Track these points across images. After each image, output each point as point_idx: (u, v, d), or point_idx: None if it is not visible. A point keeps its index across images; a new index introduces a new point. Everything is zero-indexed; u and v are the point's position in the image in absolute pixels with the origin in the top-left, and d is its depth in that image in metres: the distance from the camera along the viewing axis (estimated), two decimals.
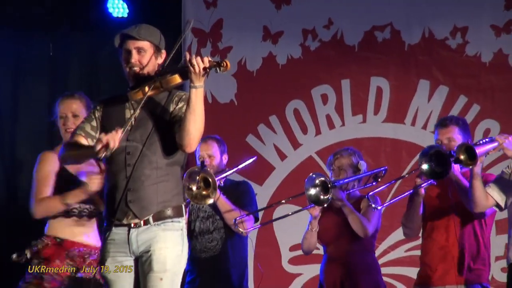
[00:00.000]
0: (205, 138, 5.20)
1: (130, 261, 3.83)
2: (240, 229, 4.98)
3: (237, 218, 4.96)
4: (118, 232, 3.81)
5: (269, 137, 6.50)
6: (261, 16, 6.56)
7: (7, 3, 6.55)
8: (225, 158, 5.23)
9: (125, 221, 3.80)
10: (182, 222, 3.85)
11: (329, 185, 4.76)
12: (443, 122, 4.74)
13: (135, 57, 3.83)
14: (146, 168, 3.79)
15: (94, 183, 4.39)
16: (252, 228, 5.11)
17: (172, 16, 6.59)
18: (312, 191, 4.78)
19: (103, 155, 3.66)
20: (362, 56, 6.41)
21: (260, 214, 5.36)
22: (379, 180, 5.04)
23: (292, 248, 6.33)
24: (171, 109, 3.84)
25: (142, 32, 3.85)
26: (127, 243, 3.80)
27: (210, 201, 4.50)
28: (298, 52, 6.53)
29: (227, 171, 5.08)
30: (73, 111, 4.61)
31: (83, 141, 3.85)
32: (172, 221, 3.82)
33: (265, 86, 6.56)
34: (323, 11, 6.48)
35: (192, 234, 5.11)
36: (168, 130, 3.82)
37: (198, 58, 3.64)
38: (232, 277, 5.07)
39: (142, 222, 3.79)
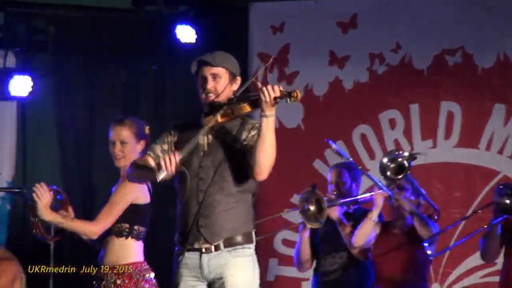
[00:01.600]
0: (337, 164, 5.36)
1: (202, 286, 3.89)
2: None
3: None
4: (190, 257, 3.86)
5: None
6: (327, 40, 6.54)
7: (80, 32, 6.75)
8: (356, 185, 5.27)
9: (196, 246, 3.85)
10: (253, 248, 3.87)
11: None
12: None
13: (210, 83, 3.86)
14: (217, 194, 3.83)
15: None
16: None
17: (239, 41, 6.66)
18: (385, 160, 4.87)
19: (161, 178, 3.69)
20: (432, 80, 6.26)
21: None
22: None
23: None
24: (244, 136, 3.86)
25: (218, 58, 3.89)
26: (199, 268, 3.85)
27: (317, 225, 4.83)
28: (365, 76, 6.48)
29: (352, 198, 5.15)
30: (122, 138, 4.58)
31: (151, 161, 3.89)
32: (242, 248, 3.86)
33: (331, 111, 6.50)
34: (391, 35, 6.41)
35: (317, 256, 5.18)
36: (240, 157, 3.83)
37: (270, 87, 3.65)
38: None
39: (213, 247, 3.84)
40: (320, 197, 4.80)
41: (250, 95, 3.79)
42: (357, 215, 5.15)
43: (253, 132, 3.83)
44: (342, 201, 5.09)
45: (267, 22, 6.63)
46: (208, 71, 3.87)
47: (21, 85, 6.63)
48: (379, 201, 4.94)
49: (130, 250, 4.46)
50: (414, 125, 6.33)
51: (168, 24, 6.67)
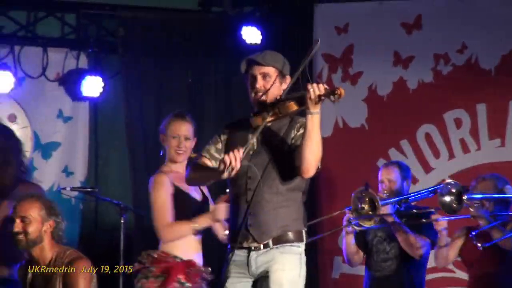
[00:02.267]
0: (387, 163, 5.47)
1: (248, 282, 3.92)
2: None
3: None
4: (239, 254, 3.90)
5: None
6: (391, 41, 6.55)
7: (149, 33, 6.86)
8: (407, 183, 5.30)
9: (245, 244, 3.88)
10: (302, 247, 3.88)
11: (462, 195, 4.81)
12: None
13: (260, 82, 3.89)
14: (266, 193, 3.85)
15: (222, 211, 4.50)
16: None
17: (304, 42, 6.62)
18: (447, 198, 4.82)
19: (227, 175, 3.71)
20: (500, 80, 6.22)
21: None
22: None
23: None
24: (292, 135, 3.89)
25: (267, 58, 3.91)
26: (246, 265, 3.88)
27: (371, 223, 4.90)
28: (429, 76, 6.45)
29: (403, 196, 5.19)
30: (185, 133, 4.65)
31: (208, 163, 3.93)
32: (291, 245, 3.87)
33: (395, 111, 6.52)
34: (456, 36, 6.38)
35: (369, 253, 5.26)
36: (289, 156, 3.85)
37: (315, 85, 3.68)
38: None
39: (261, 245, 3.87)
40: (374, 196, 4.85)
41: (296, 94, 3.80)
42: (408, 213, 5.15)
43: (301, 130, 3.84)
44: (394, 199, 5.10)
45: (331, 23, 6.64)
46: (258, 70, 3.89)
47: (92, 86, 6.75)
48: (443, 234, 5.01)
49: (197, 245, 4.59)
50: (481, 125, 6.31)
51: (234, 24, 6.74)
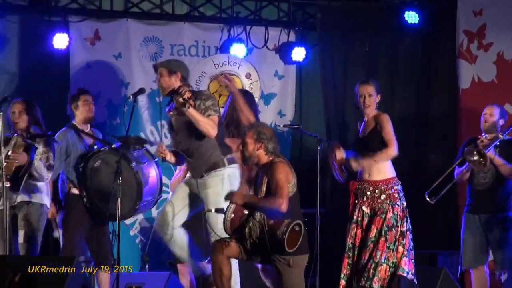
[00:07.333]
0: (490, 105, 6.56)
1: None
2: None
3: None
4: None
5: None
6: None
7: (339, 16, 8.17)
8: (501, 121, 6.54)
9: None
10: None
11: None
12: None
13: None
14: None
15: None
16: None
17: (450, 22, 7.96)
18: None
19: None
20: None
21: None
22: None
23: None
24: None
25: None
26: None
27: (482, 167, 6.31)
28: None
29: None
30: (368, 92, 6.09)
31: None
32: None
33: None
34: None
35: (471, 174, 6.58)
36: None
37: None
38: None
39: None
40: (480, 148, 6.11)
41: None
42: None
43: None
44: (495, 143, 6.29)
45: (470, 8, 7.76)
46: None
47: (298, 54, 8.14)
48: None
49: None
50: None
51: (398, 9, 8.08)
